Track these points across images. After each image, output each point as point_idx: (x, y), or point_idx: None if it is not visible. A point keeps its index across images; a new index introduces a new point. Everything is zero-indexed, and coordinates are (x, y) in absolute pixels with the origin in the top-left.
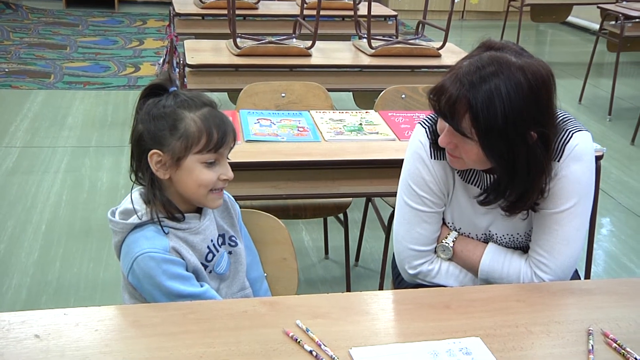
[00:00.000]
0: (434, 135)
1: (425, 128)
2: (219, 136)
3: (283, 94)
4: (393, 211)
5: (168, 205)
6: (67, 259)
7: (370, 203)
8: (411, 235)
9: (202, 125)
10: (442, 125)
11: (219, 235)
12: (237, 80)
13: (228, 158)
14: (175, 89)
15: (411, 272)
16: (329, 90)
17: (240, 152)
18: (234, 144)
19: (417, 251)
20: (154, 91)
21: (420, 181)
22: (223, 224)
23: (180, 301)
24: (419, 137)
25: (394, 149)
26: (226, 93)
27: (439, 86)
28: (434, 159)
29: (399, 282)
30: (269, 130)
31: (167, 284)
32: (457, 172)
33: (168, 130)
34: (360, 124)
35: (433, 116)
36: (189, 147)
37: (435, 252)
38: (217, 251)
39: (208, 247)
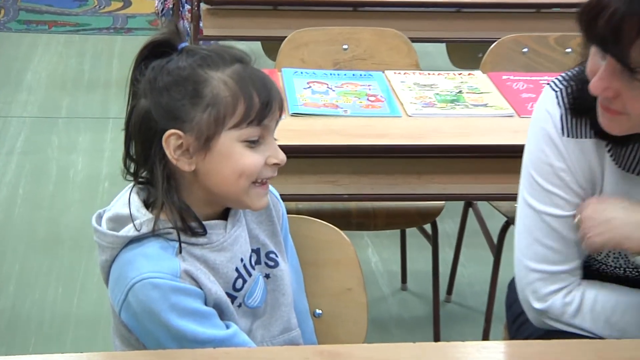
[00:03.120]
0: (571, 100)
1: (557, 91)
2: (262, 101)
3: (345, 46)
4: (507, 222)
5: (185, 214)
6: (25, 280)
7: (471, 209)
8: (535, 250)
9: (237, 88)
10: (595, 64)
11: (252, 250)
12: (276, 24)
13: (275, 139)
14: (187, 44)
15: (538, 306)
16: (413, 40)
17: (283, 131)
18: (280, 114)
19: (545, 273)
20: (156, 51)
21: (547, 170)
22: (259, 232)
23: (196, 348)
24: (547, 104)
25: (512, 130)
26: (260, 44)
27: (595, 0)
28: (569, 136)
29: (518, 327)
30: (325, 99)
31: (177, 324)
32: (610, 154)
33: (188, 100)
34: (460, 92)
35: (571, 73)
36: (221, 120)
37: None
38: (250, 275)
39: (237, 269)
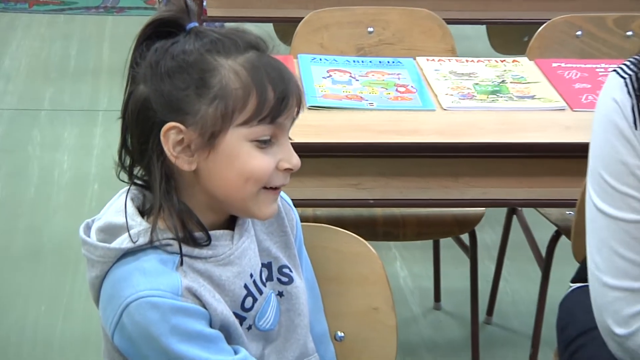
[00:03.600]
0: None
1: (625, 78)
2: (277, 96)
3: (371, 29)
4: (557, 231)
5: (187, 219)
6: (1, 299)
7: (515, 217)
8: (613, 263)
9: (250, 79)
10: None
11: (263, 265)
12: (291, 4)
13: (290, 138)
14: (196, 24)
15: (620, 330)
16: (448, 22)
17: (298, 127)
18: (298, 112)
19: (627, 290)
20: (160, 30)
21: (620, 169)
22: (270, 244)
23: None
24: (614, 93)
25: (563, 126)
26: (272, 26)
27: None
28: None
29: (572, 353)
30: (348, 90)
31: (179, 349)
32: None
33: (193, 90)
34: (503, 82)
35: None
36: (229, 115)
37: None
38: (261, 293)
39: (246, 285)
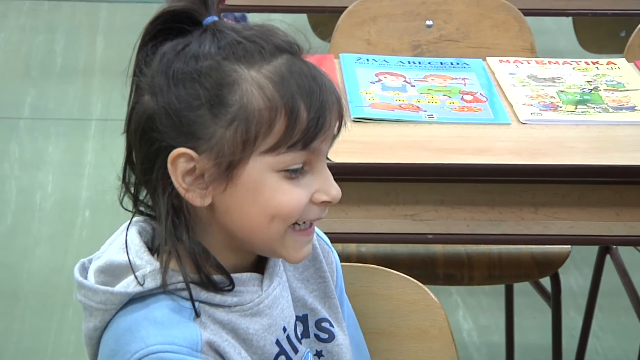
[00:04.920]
0: None
1: None
2: (312, 115)
3: (430, 22)
4: None
5: (203, 261)
6: None
7: (609, 257)
8: None
9: (277, 96)
10: None
11: (297, 318)
12: None
13: (328, 159)
14: (215, 19)
15: None
16: (526, 13)
17: (341, 144)
18: (339, 130)
19: None
20: (171, 26)
21: None
22: (305, 293)
23: None
24: None
25: None
26: (306, 17)
27: None
28: None
29: None
30: (401, 99)
31: None
32: None
33: (208, 108)
34: (595, 89)
35: None
36: (251, 140)
37: None
38: (296, 351)
39: (278, 341)
